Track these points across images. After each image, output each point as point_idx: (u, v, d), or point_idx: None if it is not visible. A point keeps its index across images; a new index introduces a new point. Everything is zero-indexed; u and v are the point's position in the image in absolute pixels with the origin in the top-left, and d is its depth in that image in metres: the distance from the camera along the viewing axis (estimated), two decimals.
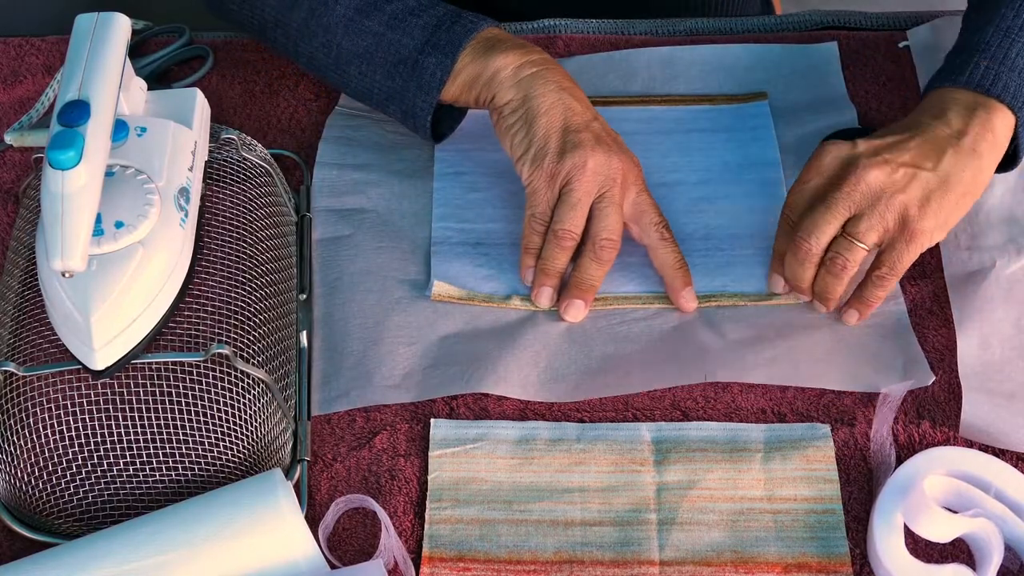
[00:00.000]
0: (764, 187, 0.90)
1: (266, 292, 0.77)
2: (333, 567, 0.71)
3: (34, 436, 0.69)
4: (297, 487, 0.75)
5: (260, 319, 0.75)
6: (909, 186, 0.77)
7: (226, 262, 0.76)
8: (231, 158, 0.82)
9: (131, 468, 0.70)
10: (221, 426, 0.70)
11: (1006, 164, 0.83)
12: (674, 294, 0.83)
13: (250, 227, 0.79)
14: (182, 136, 0.77)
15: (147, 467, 0.70)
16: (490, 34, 0.87)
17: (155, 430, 0.70)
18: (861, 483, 0.74)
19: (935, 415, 0.77)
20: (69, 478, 0.70)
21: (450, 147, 0.94)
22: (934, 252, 0.86)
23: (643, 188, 0.84)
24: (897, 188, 0.77)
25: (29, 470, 0.70)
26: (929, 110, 0.82)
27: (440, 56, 0.85)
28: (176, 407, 0.70)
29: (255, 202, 0.81)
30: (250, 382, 0.72)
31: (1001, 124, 0.80)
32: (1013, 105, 0.80)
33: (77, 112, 0.67)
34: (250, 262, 0.77)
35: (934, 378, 0.78)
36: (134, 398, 0.70)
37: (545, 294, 0.83)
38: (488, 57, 0.85)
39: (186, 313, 0.72)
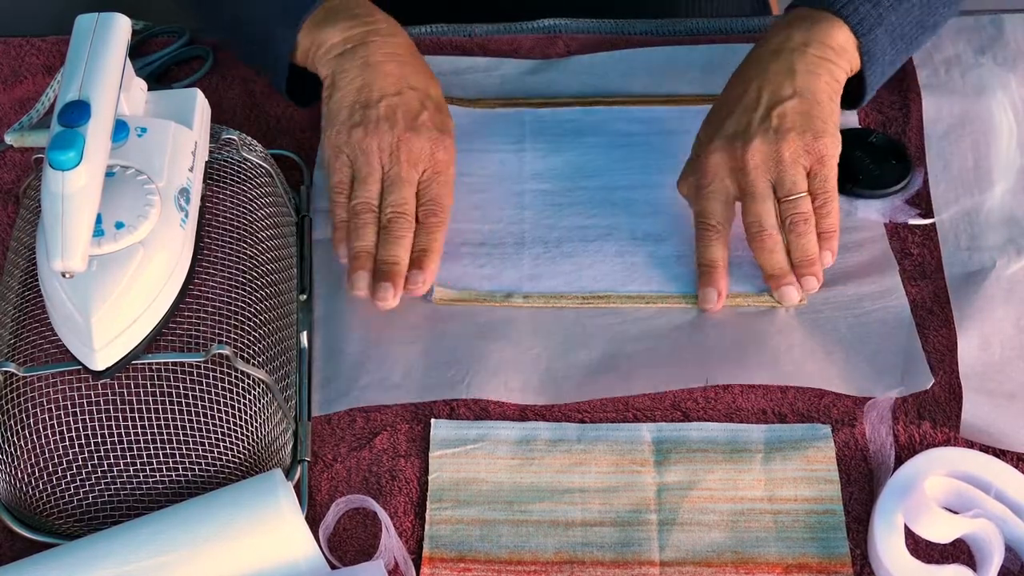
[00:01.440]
0: None
1: (267, 292, 0.77)
2: (333, 567, 0.71)
3: (34, 436, 0.69)
4: (297, 487, 0.75)
5: (261, 319, 0.75)
6: (789, 125, 0.81)
7: (226, 262, 0.76)
8: (231, 158, 0.82)
9: (132, 468, 0.70)
10: (221, 426, 0.70)
11: (855, 101, 0.88)
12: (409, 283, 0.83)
13: (250, 227, 0.79)
14: (182, 136, 0.77)
15: (147, 467, 0.70)
16: (336, 3, 0.88)
17: (155, 430, 0.70)
18: (862, 484, 0.74)
19: (935, 416, 0.77)
20: (69, 479, 0.70)
21: None
22: (934, 252, 0.86)
23: (437, 170, 0.84)
24: (782, 137, 0.80)
25: (29, 470, 0.70)
26: (775, 30, 0.86)
27: (286, 27, 0.87)
28: (176, 408, 0.70)
29: (255, 202, 0.81)
30: (250, 382, 0.72)
31: (843, 39, 0.84)
32: (857, 29, 0.83)
33: (77, 112, 0.67)
34: (251, 263, 0.77)
35: (933, 381, 0.78)
36: (134, 398, 0.70)
37: (360, 279, 0.82)
38: (318, 30, 0.87)
39: (186, 313, 0.72)
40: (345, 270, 0.86)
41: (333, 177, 0.85)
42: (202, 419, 0.70)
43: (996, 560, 0.68)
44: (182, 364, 0.70)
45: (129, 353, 0.68)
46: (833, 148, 0.82)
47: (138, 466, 0.70)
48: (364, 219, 0.83)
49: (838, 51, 0.84)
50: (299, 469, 0.76)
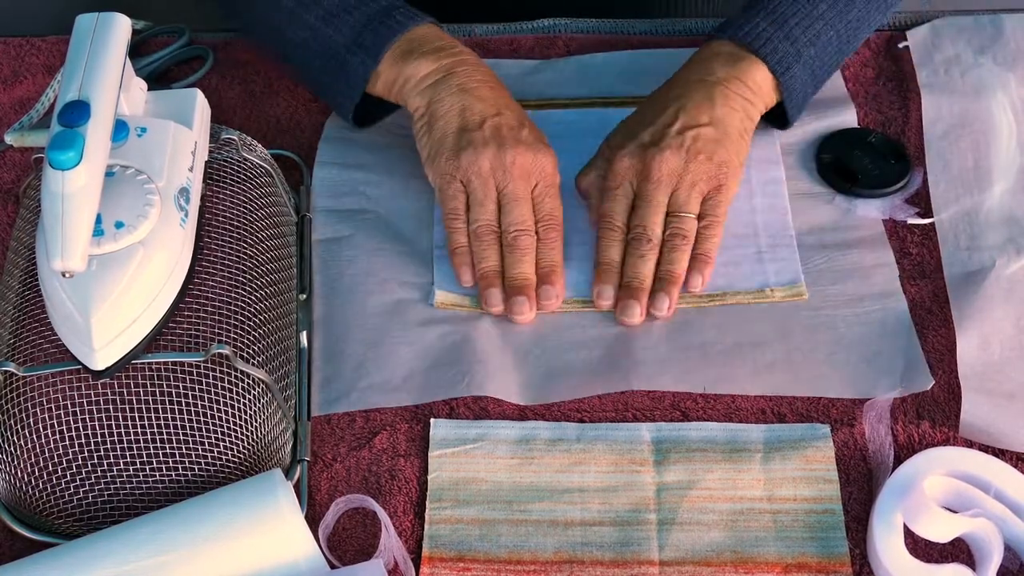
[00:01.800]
0: (765, 186, 0.90)
1: (266, 292, 0.77)
2: (333, 567, 0.71)
3: (34, 436, 0.69)
4: (297, 487, 0.75)
5: (260, 319, 0.75)
6: (699, 148, 0.84)
7: (226, 262, 0.76)
8: (231, 158, 0.82)
9: (131, 468, 0.70)
10: (221, 426, 0.70)
11: (782, 124, 0.92)
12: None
13: (250, 227, 0.79)
14: (182, 136, 0.77)
15: (147, 467, 0.70)
16: (416, 35, 0.89)
17: (155, 430, 0.70)
18: (861, 483, 0.74)
19: (935, 415, 0.77)
20: (69, 478, 0.70)
21: None
22: (933, 252, 0.86)
23: (548, 182, 0.85)
24: (691, 156, 0.83)
25: (29, 470, 0.70)
26: (695, 60, 0.89)
27: (364, 55, 0.88)
28: (176, 407, 0.70)
29: (255, 202, 0.81)
30: (250, 382, 0.72)
31: (761, 78, 0.87)
32: (776, 70, 0.87)
33: (77, 112, 0.67)
34: (250, 262, 0.77)
35: (933, 382, 0.78)
36: (134, 398, 0.70)
37: (493, 296, 0.83)
38: (404, 62, 0.87)
39: (186, 313, 0.72)
40: (347, 271, 0.86)
41: (448, 204, 0.85)
42: (202, 419, 0.70)
43: (995, 559, 0.68)
44: (182, 364, 0.70)
45: (129, 353, 0.68)
46: (733, 181, 0.85)
47: (138, 466, 0.70)
48: (487, 240, 0.84)
49: (755, 90, 0.87)
50: (299, 469, 0.76)
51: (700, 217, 0.84)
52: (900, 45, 0.99)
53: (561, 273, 0.84)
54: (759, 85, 0.87)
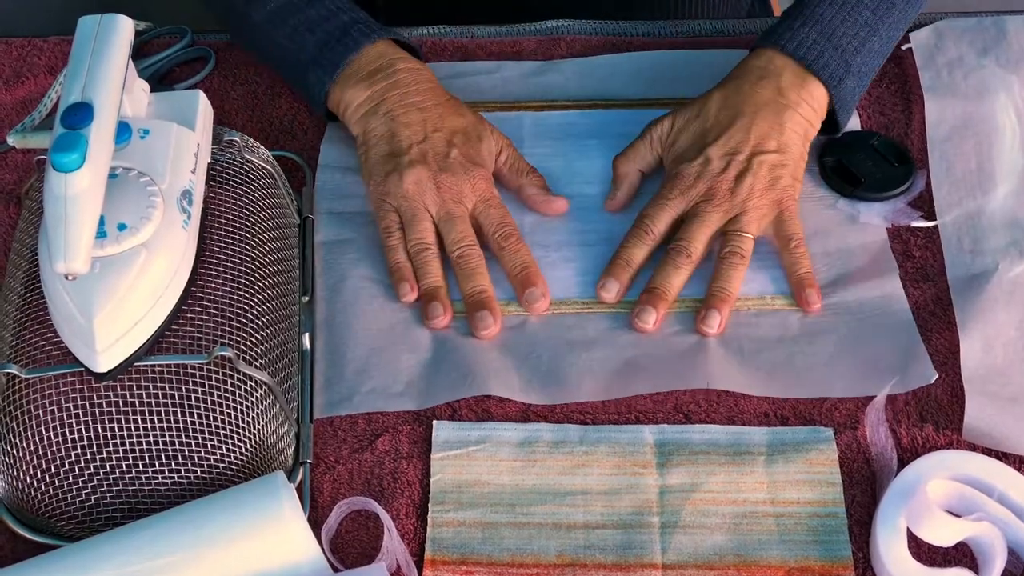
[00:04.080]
0: None
1: (269, 294, 0.77)
2: (336, 570, 0.71)
3: (37, 438, 0.69)
4: (300, 490, 0.75)
5: (263, 321, 0.75)
6: (766, 176, 0.85)
7: (229, 264, 0.76)
8: (234, 160, 0.82)
9: (134, 470, 0.70)
10: (224, 429, 0.70)
11: (831, 131, 0.92)
12: (521, 302, 0.84)
13: (253, 229, 0.79)
14: (185, 138, 0.77)
15: (150, 470, 0.70)
16: (367, 55, 0.91)
17: (158, 433, 0.70)
18: (864, 486, 0.74)
19: (938, 419, 0.77)
20: (72, 480, 0.70)
21: None
22: (937, 255, 0.86)
23: (484, 197, 0.86)
24: (758, 183, 0.85)
25: (32, 472, 0.70)
26: (759, 74, 0.89)
27: (320, 73, 0.91)
28: (179, 410, 0.70)
29: (258, 204, 0.81)
30: (253, 384, 0.72)
31: (820, 96, 0.88)
32: (829, 83, 0.88)
33: (80, 114, 0.67)
34: (253, 264, 0.77)
35: (936, 375, 0.78)
36: (137, 401, 0.70)
37: (435, 309, 0.83)
38: (345, 87, 0.90)
39: (189, 315, 0.72)
40: (349, 273, 0.86)
41: (381, 224, 0.87)
42: (204, 421, 0.70)
43: (999, 563, 0.68)
44: (184, 366, 0.70)
45: (131, 355, 0.68)
46: (793, 203, 0.86)
47: (140, 468, 0.70)
48: (425, 256, 0.85)
49: (816, 110, 0.89)
50: (301, 471, 0.76)
51: (781, 239, 0.85)
52: (903, 47, 0.99)
53: (537, 272, 0.84)
54: (819, 104, 0.88)
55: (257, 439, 0.72)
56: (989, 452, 0.75)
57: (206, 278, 0.74)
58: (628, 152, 0.90)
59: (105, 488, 0.70)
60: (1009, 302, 0.81)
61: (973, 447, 0.75)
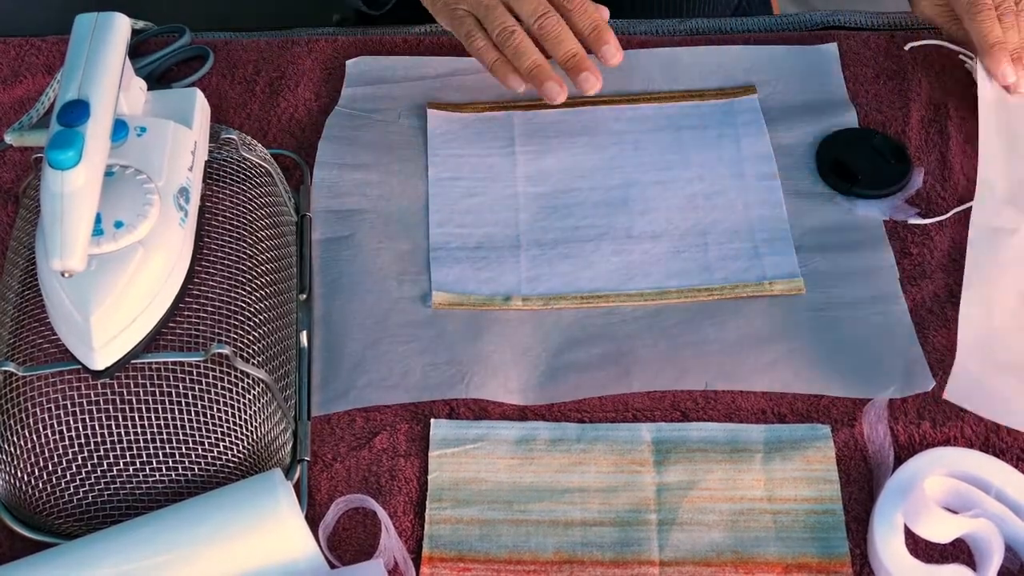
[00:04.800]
0: (758, 180, 0.91)
1: (266, 292, 0.77)
2: (333, 567, 0.71)
3: (34, 436, 0.69)
4: (297, 487, 0.75)
5: (260, 319, 0.75)
6: None
7: (226, 262, 0.76)
8: (231, 158, 0.82)
9: (131, 468, 0.70)
10: (221, 426, 0.70)
11: None
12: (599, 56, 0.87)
13: (250, 227, 0.79)
14: (182, 136, 0.77)
15: (147, 467, 0.70)
16: None
17: (155, 430, 0.70)
18: (861, 483, 0.74)
19: (935, 415, 0.77)
20: (69, 478, 0.70)
21: (444, 153, 0.94)
22: (934, 252, 0.85)
23: None
24: None
25: (29, 470, 0.70)
26: None
27: None
28: (176, 407, 0.70)
29: (255, 202, 0.81)
30: (250, 382, 0.72)
31: None
32: None
33: (77, 112, 0.67)
34: (250, 262, 0.77)
35: (933, 383, 0.78)
36: (134, 398, 0.70)
37: (551, 88, 0.86)
38: None
39: (186, 313, 0.72)
40: (346, 271, 0.86)
41: (460, 30, 0.89)
42: (202, 419, 0.70)
43: (996, 560, 0.68)
44: (182, 364, 0.70)
45: (128, 352, 0.68)
46: None
47: (137, 466, 0.70)
48: (515, 39, 0.86)
49: None
50: (299, 469, 0.76)
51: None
52: (907, 47, 0.98)
53: (607, 28, 0.87)
54: None
55: (254, 437, 0.72)
56: (986, 449, 0.75)
57: (203, 275, 0.74)
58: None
59: (103, 486, 0.70)
60: (1016, 265, 0.80)
61: (971, 444, 0.75)
